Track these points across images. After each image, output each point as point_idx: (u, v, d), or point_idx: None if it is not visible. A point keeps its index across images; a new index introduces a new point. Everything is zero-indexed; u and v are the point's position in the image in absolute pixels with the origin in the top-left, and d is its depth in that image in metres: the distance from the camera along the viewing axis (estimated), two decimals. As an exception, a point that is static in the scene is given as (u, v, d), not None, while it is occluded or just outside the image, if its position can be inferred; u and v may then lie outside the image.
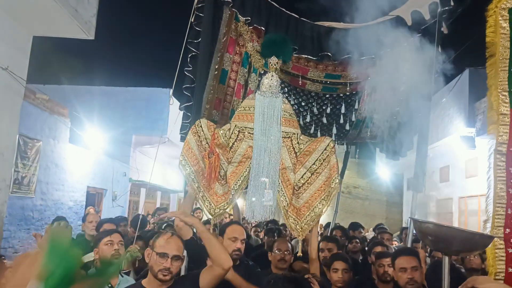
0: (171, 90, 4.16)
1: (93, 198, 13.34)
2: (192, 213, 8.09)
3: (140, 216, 6.40)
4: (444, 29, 4.49)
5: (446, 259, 2.54)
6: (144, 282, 2.69)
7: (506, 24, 3.34)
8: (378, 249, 4.48)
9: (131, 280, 3.39)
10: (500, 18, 3.35)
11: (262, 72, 3.92)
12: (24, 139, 9.02)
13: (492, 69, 3.39)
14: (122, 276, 3.34)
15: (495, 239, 2.99)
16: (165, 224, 6.29)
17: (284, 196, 3.42)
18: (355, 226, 7.47)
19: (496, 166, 3.18)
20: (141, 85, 15.87)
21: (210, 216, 3.43)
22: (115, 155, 13.99)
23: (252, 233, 8.44)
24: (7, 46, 7.92)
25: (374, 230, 8.58)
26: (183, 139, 4.20)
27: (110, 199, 13.93)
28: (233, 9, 3.87)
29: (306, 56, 4.06)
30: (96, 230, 4.82)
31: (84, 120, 12.13)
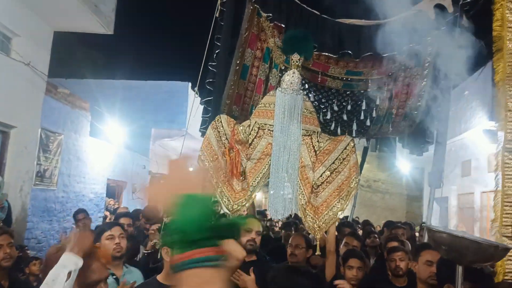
0: (197, 85, 4.14)
1: (113, 190, 13.52)
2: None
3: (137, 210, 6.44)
4: (466, 22, 4.38)
5: (460, 268, 2.46)
6: (159, 277, 2.71)
7: None
8: (392, 244, 4.47)
9: (135, 270, 3.35)
10: (507, 12, 3.23)
11: (283, 67, 3.88)
12: (46, 132, 9.16)
13: (499, 64, 3.28)
14: (127, 267, 3.31)
15: (504, 238, 2.92)
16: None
17: (303, 194, 3.40)
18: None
19: (504, 164, 3.09)
20: (161, 78, 15.92)
21: (228, 212, 3.43)
22: (135, 148, 14.13)
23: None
24: (29, 42, 8.05)
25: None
26: (203, 134, 4.21)
27: (130, 191, 14.10)
28: (255, 5, 3.85)
29: (326, 53, 4.01)
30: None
31: (105, 114, 12.26)
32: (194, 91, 4.23)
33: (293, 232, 7.32)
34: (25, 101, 8.02)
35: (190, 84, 14.96)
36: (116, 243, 3.21)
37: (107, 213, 11.14)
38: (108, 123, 12.55)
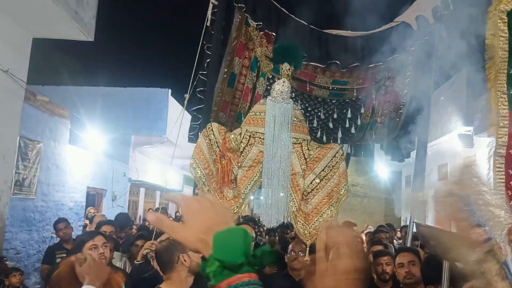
0: (188, 92, 4.15)
1: (93, 198, 13.33)
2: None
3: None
4: (445, 32, 4.54)
5: (447, 264, 2.52)
6: (165, 285, 2.64)
7: (504, 27, 3.35)
8: (377, 248, 4.53)
9: None
10: (499, 21, 3.36)
11: (270, 76, 3.94)
12: (25, 140, 9.00)
13: (491, 72, 3.41)
14: None
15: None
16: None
17: (294, 201, 3.47)
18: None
19: (496, 168, 3.20)
20: (141, 85, 15.81)
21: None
22: (114, 155, 13.97)
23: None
24: (7, 49, 7.90)
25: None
26: (191, 140, 4.24)
27: (110, 199, 13.94)
28: (244, 14, 3.90)
29: (314, 63, 4.10)
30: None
31: (84, 121, 12.10)
32: (185, 98, 4.24)
33: (276, 238, 7.39)
34: (3, 109, 7.86)
35: (170, 90, 14.91)
36: (100, 253, 3.05)
37: (87, 222, 10.98)
38: (88, 130, 12.39)
